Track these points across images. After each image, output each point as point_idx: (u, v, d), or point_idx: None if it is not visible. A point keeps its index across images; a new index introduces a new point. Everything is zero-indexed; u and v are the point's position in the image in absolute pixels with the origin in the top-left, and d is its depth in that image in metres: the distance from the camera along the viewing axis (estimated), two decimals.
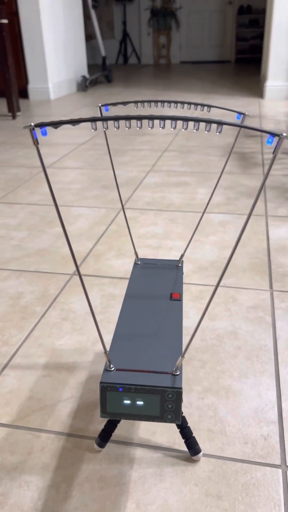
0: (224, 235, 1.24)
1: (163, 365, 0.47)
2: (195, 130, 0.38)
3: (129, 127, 0.40)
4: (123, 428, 0.64)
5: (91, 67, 6.40)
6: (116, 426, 0.60)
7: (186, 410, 0.67)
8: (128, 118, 0.37)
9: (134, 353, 0.48)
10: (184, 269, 1.06)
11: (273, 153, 0.37)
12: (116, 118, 0.36)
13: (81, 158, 2.01)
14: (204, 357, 0.77)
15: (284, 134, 0.36)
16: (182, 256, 0.72)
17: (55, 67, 3.85)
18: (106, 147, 2.19)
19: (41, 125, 0.35)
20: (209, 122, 0.36)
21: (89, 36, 6.77)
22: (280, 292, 0.96)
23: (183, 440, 0.59)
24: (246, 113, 0.62)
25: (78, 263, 1.11)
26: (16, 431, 0.64)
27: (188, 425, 0.59)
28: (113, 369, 0.46)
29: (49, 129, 2.63)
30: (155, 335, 0.52)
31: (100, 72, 4.59)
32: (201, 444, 0.61)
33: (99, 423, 0.65)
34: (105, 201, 1.50)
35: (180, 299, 0.61)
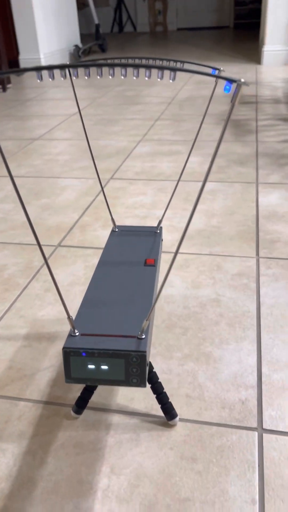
0: (213, 203, 1.21)
1: (129, 329, 0.46)
2: (159, 79, 0.36)
3: (89, 76, 0.38)
4: (101, 395, 0.64)
5: (84, 36, 6.22)
6: (92, 392, 0.59)
7: (165, 376, 0.66)
8: (88, 65, 0.35)
9: (101, 318, 0.47)
10: (170, 238, 1.05)
11: (231, 101, 0.34)
12: (75, 65, 0.34)
13: (71, 129, 1.97)
14: (186, 324, 0.76)
15: (242, 80, 0.34)
16: (160, 222, 0.70)
17: (46, 37, 3.73)
18: (96, 118, 2.14)
19: (2, 73, 0.33)
20: (163, 68, 0.34)
21: (82, 4, 6.55)
22: (266, 259, 0.94)
23: (160, 405, 0.59)
24: (221, 69, 0.60)
25: (63, 234, 1.09)
26: None
27: (164, 390, 0.59)
28: (77, 334, 0.45)
29: (39, 100, 2.57)
30: (124, 301, 0.51)
31: (94, 41, 4.46)
32: (178, 410, 0.61)
33: (77, 391, 0.65)
34: (92, 172, 1.47)
35: (154, 265, 0.60)
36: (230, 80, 0.34)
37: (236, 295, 0.83)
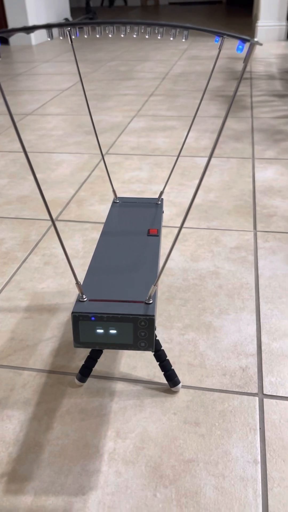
0: (210, 178, 1.21)
1: (136, 295, 0.46)
2: (171, 38, 0.35)
3: (101, 35, 0.37)
4: (104, 363, 0.65)
5: (74, 10, 6.05)
6: (96, 361, 0.60)
7: (166, 345, 0.67)
8: (87, 23, 0.34)
9: (108, 284, 0.48)
10: (168, 213, 1.05)
11: (243, 62, 0.34)
12: (73, 24, 0.33)
13: (64, 104, 1.93)
14: (186, 296, 0.77)
15: (256, 39, 0.34)
16: (161, 193, 0.70)
17: (35, 10, 3.62)
18: (89, 93, 2.10)
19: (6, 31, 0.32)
20: (176, 27, 0.33)
21: None
22: (263, 232, 0.95)
23: (163, 373, 0.60)
24: (225, 36, 0.59)
25: (60, 209, 1.08)
26: None
27: (167, 358, 0.60)
28: (85, 299, 0.45)
29: (29, 75, 2.51)
30: (130, 268, 0.51)
31: (84, 15, 4.34)
32: (180, 377, 0.62)
33: (80, 360, 0.65)
34: (87, 146, 1.45)
35: (157, 235, 0.60)
36: (244, 40, 0.34)
37: (234, 268, 0.84)
